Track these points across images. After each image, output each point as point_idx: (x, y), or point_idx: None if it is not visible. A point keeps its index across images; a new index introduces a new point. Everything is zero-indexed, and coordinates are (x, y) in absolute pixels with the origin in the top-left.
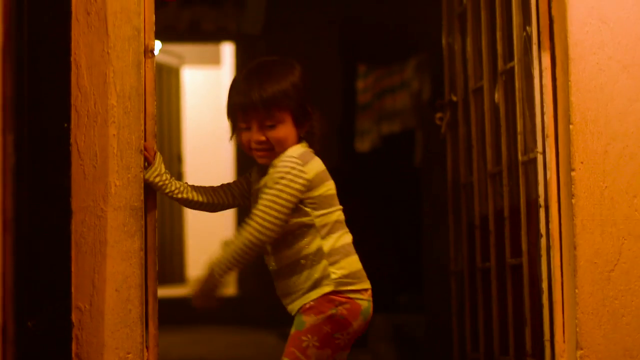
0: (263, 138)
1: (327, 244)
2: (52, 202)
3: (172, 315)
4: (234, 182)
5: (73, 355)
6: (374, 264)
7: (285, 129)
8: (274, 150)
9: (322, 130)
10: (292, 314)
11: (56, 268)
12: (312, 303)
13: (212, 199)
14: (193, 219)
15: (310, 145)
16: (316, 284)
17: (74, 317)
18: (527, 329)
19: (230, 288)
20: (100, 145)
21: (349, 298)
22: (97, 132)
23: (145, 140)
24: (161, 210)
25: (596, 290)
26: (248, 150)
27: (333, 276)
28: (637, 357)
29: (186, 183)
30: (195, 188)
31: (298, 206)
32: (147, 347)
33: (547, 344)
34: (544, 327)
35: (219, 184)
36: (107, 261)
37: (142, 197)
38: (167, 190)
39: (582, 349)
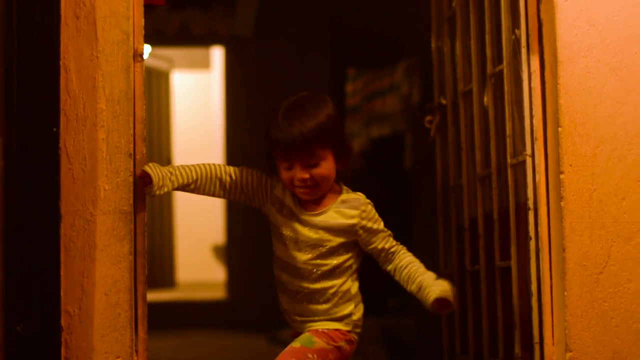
0: (307, 176)
1: (355, 287)
2: (41, 206)
3: (162, 319)
4: (236, 172)
5: (62, 359)
6: (364, 266)
7: (328, 165)
8: (319, 187)
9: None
10: (298, 331)
11: (45, 272)
12: (326, 331)
13: (203, 180)
14: (182, 223)
15: (342, 181)
16: (338, 319)
17: (63, 321)
18: (517, 331)
19: (219, 292)
20: (90, 149)
21: (355, 339)
22: (86, 136)
23: (134, 144)
24: (150, 214)
25: (585, 293)
26: (291, 187)
27: (354, 317)
28: (627, 359)
29: (179, 167)
30: (186, 170)
31: (352, 247)
32: (136, 351)
33: (537, 347)
34: (533, 330)
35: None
36: (96, 265)
37: (131, 201)
38: (173, 189)
39: (571, 351)
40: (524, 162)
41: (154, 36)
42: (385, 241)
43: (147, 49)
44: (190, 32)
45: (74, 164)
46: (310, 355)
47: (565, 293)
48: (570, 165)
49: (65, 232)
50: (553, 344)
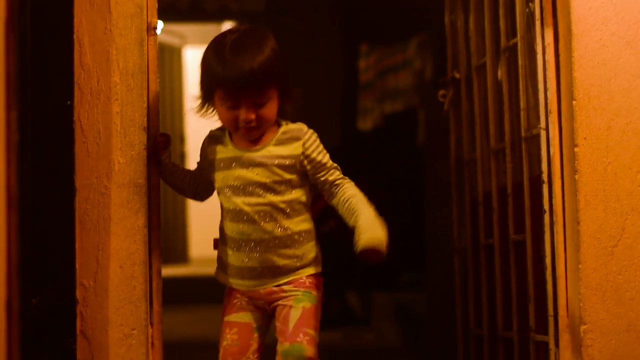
0: (253, 117)
1: (311, 224)
2: (56, 180)
3: (175, 295)
4: (194, 172)
5: (77, 331)
6: None
7: (273, 105)
8: (261, 128)
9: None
10: (251, 289)
11: (60, 245)
12: (312, 279)
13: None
14: None
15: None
16: (311, 262)
17: (78, 294)
18: (531, 304)
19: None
20: (104, 123)
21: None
22: (101, 109)
23: (148, 118)
24: (163, 190)
25: (599, 266)
26: (232, 127)
27: (319, 258)
28: None
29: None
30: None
31: (304, 180)
32: (151, 324)
33: (551, 320)
34: (547, 303)
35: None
36: (111, 238)
37: (145, 175)
38: (167, 167)
39: (585, 324)
40: (538, 136)
41: (166, 12)
42: (330, 174)
43: (159, 24)
44: (202, 8)
45: (88, 137)
46: (319, 312)
47: (580, 266)
48: (585, 138)
49: (80, 205)
50: (567, 317)
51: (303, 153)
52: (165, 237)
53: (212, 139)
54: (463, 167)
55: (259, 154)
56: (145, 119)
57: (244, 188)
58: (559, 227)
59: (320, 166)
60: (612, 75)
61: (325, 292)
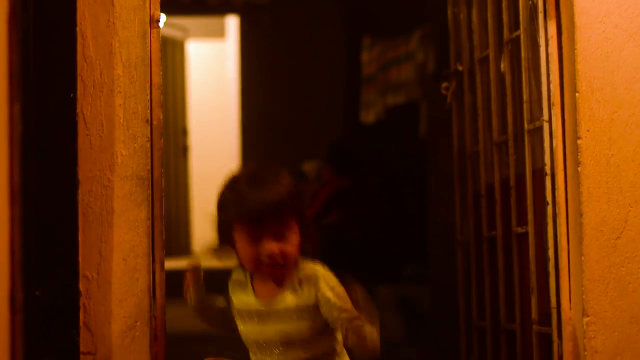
0: (277, 250)
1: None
2: (59, 172)
3: (178, 288)
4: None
5: (81, 323)
6: (380, 235)
7: (296, 241)
8: (286, 265)
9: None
10: None
11: (63, 237)
12: None
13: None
14: (198, 192)
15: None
16: None
17: (81, 286)
18: (534, 296)
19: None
20: (107, 115)
21: None
22: (103, 102)
23: (151, 110)
24: (167, 183)
25: (602, 258)
26: (254, 265)
27: None
28: None
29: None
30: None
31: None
32: (154, 316)
33: (554, 312)
34: (550, 295)
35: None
36: (114, 230)
37: (148, 167)
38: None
39: (588, 316)
40: (541, 128)
41: (169, 5)
42: (347, 314)
43: (162, 17)
44: (205, 1)
45: (91, 129)
46: None
47: (583, 258)
48: (588, 130)
49: (83, 197)
50: (570, 309)
51: (318, 300)
52: (168, 230)
53: (234, 285)
54: (465, 160)
55: (279, 307)
56: (148, 111)
57: (267, 346)
58: (561, 220)
59: (335, 311)
60: (615, 67)
61: None
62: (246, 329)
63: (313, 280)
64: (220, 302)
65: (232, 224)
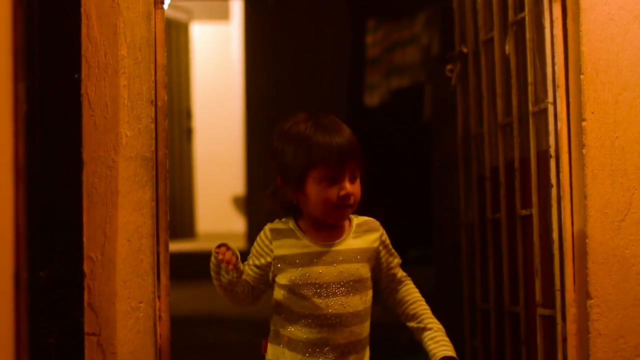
0: (352, 192)
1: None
2: (63, 153)
3: (182, 270)
4: (247, 276)
5: (85, 304)
6: (383, 218)
7: (360, 186)
8: (353, 208)
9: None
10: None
11: (68, 218)
12: None
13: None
14: (202, 174)
15: None
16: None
17: (85, 267)
18: (538, 279)
19: (239, 243)
20: (111, 96)
21: None
22: (108, 82)
23: (156, 91)
24: (171, 166)
25: (607, 240)
26: (327, 208)
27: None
28: None
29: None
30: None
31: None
32: (158, 297)
33: (558, 294)
34: (554, 277)
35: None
36: (118, 211)
37: (153, 148)
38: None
39: (592, 298)
40: (545, 110)
41: None
42: (398, 270)
43: None
44: None
45: (95, 110)
46: None
47: (587, 240)
48: (592, 112)
49: (87, 178)
50: (574, 292)
51: (380, 245)
52: (172, 212)
53: (277, 233)
54: (470, 142)
55: (342, 248)
56: (153, 92)
57: (327, 287)
58: (566, 202)
59: (393, 259)
60: (620, 49)
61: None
62: (302, 273)
63: (375, 227)
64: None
65: (308, 169)
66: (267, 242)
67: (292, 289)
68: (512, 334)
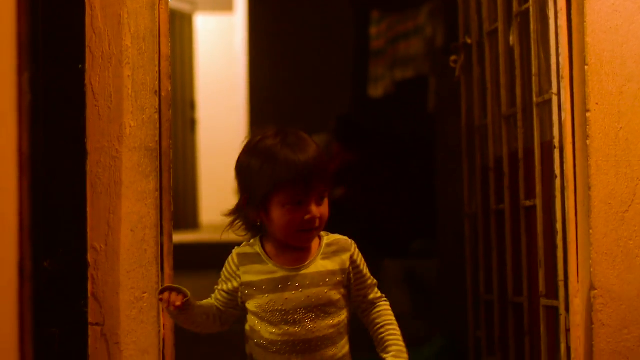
0: (318, 214)
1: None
2: (67, 143)
3: (185, 261)
4: (217, 300)
5: (89, 294)
6: (387, 210)
7: (327, 204)
8: (319, 230)
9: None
10: None
11: (71, 208)
12: None
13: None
14: (206, 165)
15: None
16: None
17: (89, 257)
18: (541, 270)
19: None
20: (115, 86)
21: None
22: (112, 73)
23: (160, 82)
24: (175, 156)
25: (610, 231)
26: (291, 232)
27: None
28: None
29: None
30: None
31: (347, 300)
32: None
33: (561, 285)
34: (557, 268)
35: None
36: (122, 202)
37: (156, 138)
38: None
39: (595, 289)
40: (549, 101)
41: None
42: (371, 290)
43: None
44: None
45: (99, 100)
46: None
47: (591, 231)
48: (597, 103)
49: (91, 168)
50: (578, 282)
51: (351, 266)
52: (175, 203)
53: (244, 258)
54: (474, 133)
55: (310, 272)
56: (157, 82)
57: (294, 313)
58: (570, 193)
59: (364, 281)
60: (625, 40)
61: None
62: (268, 300)
63: (346, 247)
64: (203, 304)
65: (271, 190)
66: (234, 268)
67: (260, 316)
68: (516, 325)
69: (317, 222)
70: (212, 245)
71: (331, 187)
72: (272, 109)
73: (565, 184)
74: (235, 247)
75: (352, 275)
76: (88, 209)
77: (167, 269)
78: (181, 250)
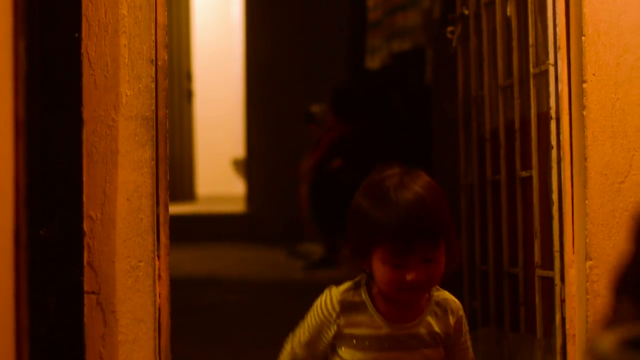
0: (424, 277)
1: None
2: (63, 111)
3: (182, 232)
4: (316, 343)
5: (85, 263)
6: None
7: (442, 264)
8: (427, 289)
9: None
10: None
11: (68, 177)
12: None
13: None
14: (202, 137)
15: None
16: None
17: (85, 226)
18: (537, 240)
19: (239, 205)
20: (111, 55)
21: None
22: (108, 42)
23: (156, 51)
24: (171, 128)
25: (606, 202)
26: (394, 289)
27: None
28: None
29: None
30: None
31: None
32: (158, 256)
33: (557, 255)
34: (553, 239)
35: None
36: (118, 170)
37: (153, 107)
38: None
39: (591, 259)
40: (546, 72)
41: None
42: (466, 353)
43: None
44: None
45: (95, 69)
46: None
47: (587, 202)
48: (593, 74)
49: (87, 137)
50: (573, 253)
51: (455, 331)
52: (172, 175)
53: (347, 307)
54: (470, 104)
55: (418, 331)
56: (153, 51)
57: None
58: (566, 164)
59: (464, 348)
60: (622, 11)
61: (332, 233)
62: (371, 358)
63: (455, 308)
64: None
65: (373, 242)
66: (332, 313)
67: None
68: (511, 295)
69: (423, 284)
70: (208, 217)
71: (449, 236)
72: (269, 80)
73: (562, 155)
74: (333, 287)
75: (454, 340)
76: (84, 178)
77: (163, 238)
78: (177, 222)
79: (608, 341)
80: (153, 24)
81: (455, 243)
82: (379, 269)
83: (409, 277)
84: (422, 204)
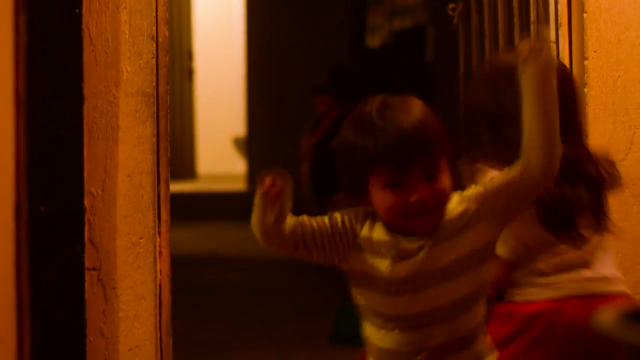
0: (428, 194)
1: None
2: (64, 87)
3: (182, 211)
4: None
5: (86, 239)
6: None
7: (447, 178)
8: (440, 209)
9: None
10: None
11: (68, 153)
12: None
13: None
14: (203, 115)
15: None
16: None
17: (86, 202)
18: None
19: (240, 184)
20: (112, 31)
21: None
22: (109, 17)
23: (157, 27)
24: (172, 105)
25: None
26: (399, 219)
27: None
28: None
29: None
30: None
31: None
32: (159, 233)
33: None
34: None
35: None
36: (119, 147)
37: (154, 84)
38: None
39: None
40: None
41: None
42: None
43: None
44: None
45: (96, 45)
46: None
47: None
48: (595, 51)
49: (88, 113)
50: None
51: (470, 201)
52: (173, 153)
53: (359, 215)
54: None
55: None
56: (154, 28)
57: (425, 319)
58: None
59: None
60: None
61: (332, 210)
62: (392, 303)
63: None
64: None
65: (366, 170)
66: (349, 219)
67: (368, 279)
68: None
69: (431, 204)
70: (209, 195)
71: (449, 154)
72: (270, 58)
73: None
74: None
75: (482, 202)
76: (85, 154)
77: (164, 215)
78: (178, 200)
79: (610, 315)
80: (154, 0)
81: (454, 160)
82: (379, 197)
83: (412, 198)
84: (409, 115)
